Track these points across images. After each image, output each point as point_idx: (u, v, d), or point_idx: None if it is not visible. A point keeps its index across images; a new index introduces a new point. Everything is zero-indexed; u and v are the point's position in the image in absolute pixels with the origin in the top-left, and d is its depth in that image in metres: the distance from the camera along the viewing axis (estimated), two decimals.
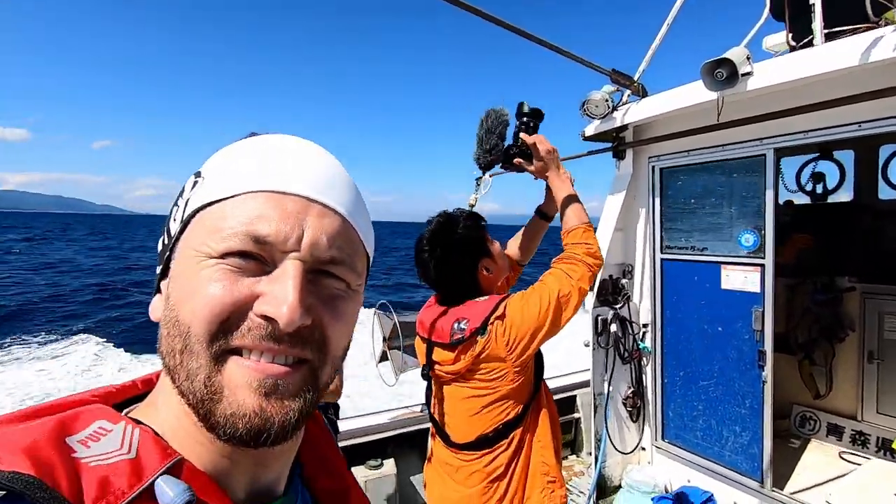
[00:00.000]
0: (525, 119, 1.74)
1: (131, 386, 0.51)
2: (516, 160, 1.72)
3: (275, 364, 0.42)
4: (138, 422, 0.44)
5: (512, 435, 1.54)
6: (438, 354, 1.60)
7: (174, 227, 0.46)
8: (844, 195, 4.02)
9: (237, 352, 0.41)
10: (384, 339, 3.68)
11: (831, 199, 4.03)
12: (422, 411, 3.75)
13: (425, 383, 1.77)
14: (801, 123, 2.32)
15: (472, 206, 4.59)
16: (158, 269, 0.49)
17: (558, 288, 1.50)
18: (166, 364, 0.43)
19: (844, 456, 3.13)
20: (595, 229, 1.76)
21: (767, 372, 2.52)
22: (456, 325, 1.52)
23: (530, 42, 2.35)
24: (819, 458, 3.14)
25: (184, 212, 0.45)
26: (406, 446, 3.51)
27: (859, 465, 2.98)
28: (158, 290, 0.48)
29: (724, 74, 2.19)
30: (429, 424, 1.71)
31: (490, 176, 4.52)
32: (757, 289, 2.54)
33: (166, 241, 0.47)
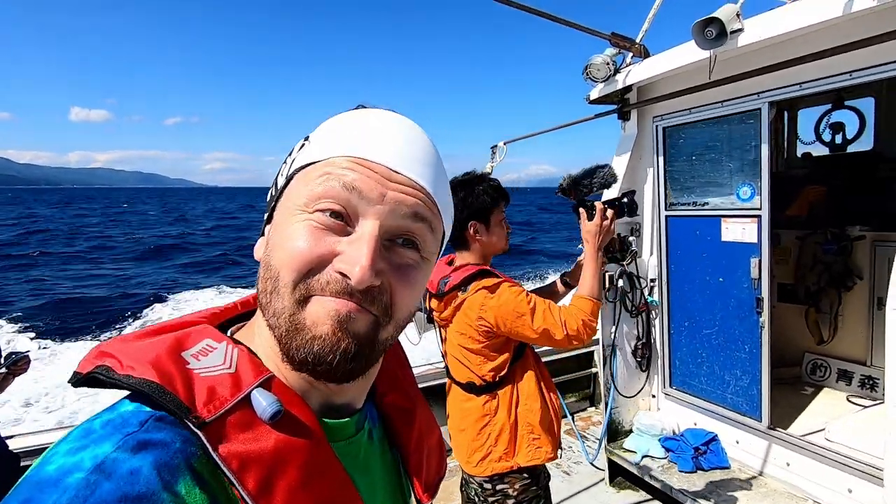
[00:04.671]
0: (622, 199, 2.00)
1: (232, 307, 0.59)
2: (582, 209, 1.89)
3: (350, 302, 0.46)
4: (237, 342, 0.50)
5: (497, 391, 1.76)
6: (431, 302, 1.85)
7: (280, 181, 0.53)
8: (867, 144, 3.96)
9: (314, 297, 0.47)
10: None
11: (852, 148, 3.98)
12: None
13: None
14: (797, 75, 2.37)
15: (489, 172, 4.78)
16: (265, 216, 0.55)
17: (543, 316, 1.68)
18: (259, 300, 0.49)
19: (852, 399, 3.23)
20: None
21: (765, 318, 2.65)
22: (441, 281, 1.78)
23: (528, 13, 2.48)
24: (826, 401, 3.26)
25: (289, 168, 0.52)
26: (431, 398, 3.82)
27: (865, 407, 3.09)
28: (263, 234, 0.55)
29: (713, 33, 2.27)
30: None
31: (504, 144, 4.65)
32: (754, 239, 2.65)
33: (273, 193, 0.54)
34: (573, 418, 4.03)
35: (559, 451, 1.90)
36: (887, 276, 3.23)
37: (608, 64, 3.00)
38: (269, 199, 0.55)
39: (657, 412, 3.38)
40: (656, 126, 3.13)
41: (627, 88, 3.17)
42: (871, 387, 3.24)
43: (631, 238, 3.32)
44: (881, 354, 3.24)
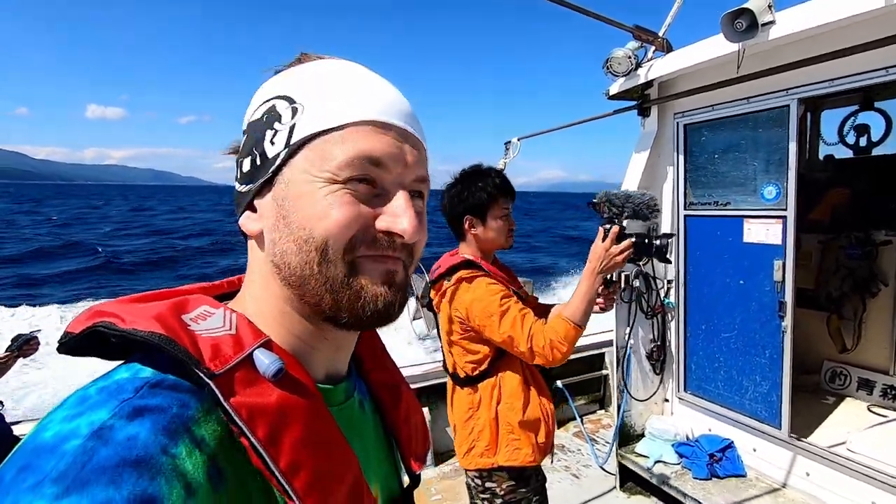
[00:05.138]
0: (652, 237, 1.74)
1: (219, 285, 0.60)
2: (600, 228, 1.72)
3: (391, 257, 0.52)
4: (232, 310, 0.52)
5: (478, 385, 1.74)
6: (432, 291, 1.88)
7: (273, 149, 0.50)
8: (893, 148, 3.84)
9: (363, 259, 0.50)
10: (417, 298, 3.90)
11: (878, 151, 3.86)
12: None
13: None
14: (828, 71, 2.28)
15: (503, 168, 4.74)
16: (244, 188, 0.53)
17: (511, 322, 1.59)
18: (299, 274, 0.49)
19: (873, 409, 3.13)
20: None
21: (787, 322, 2.56)
22: (436, 269, 1.82)
23: (550, 3, 2.40)
24: (847, 410, 3.16)
25: (288, 137, 0.49)
26: (438, 396, 3.77)
27: (887, 417, 2.99)
28: (249, 208, 0.53)
29: (743, 25, 2.18)
30: None
31: (518, 140, 4.58)
32: (778, 241, 2.56)
33: (258, 163, 0.51)
34: (582, 420, 3.96)
35: (552, 455, 1.85)
36: None
37: (630, 58, 2.91)
38: (248, 168, 0.51)
39: (671, 417, 3.30)
40: (677, 123, 3.04)
41: (648, 84, 3.09)
42: (893, 397, 3.14)
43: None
44: None
